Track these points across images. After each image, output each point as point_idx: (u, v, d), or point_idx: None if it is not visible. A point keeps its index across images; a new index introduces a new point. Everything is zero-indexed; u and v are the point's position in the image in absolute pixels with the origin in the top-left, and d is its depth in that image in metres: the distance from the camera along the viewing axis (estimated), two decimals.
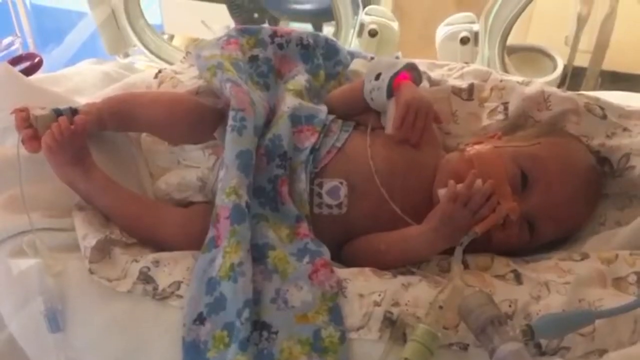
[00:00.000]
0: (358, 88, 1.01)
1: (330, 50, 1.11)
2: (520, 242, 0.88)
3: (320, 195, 0.92)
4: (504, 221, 0.85)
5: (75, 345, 0.80)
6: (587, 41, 2.02)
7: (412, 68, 0.99)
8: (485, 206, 0.83)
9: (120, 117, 0.96)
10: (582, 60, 2.04)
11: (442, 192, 0.86)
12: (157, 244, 0.88)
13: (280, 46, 1.08)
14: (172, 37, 2.44)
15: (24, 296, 0.81)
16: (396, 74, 0.96)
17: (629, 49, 2.10)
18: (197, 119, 0.97)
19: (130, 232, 0.89)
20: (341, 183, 0.92)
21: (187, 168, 0.98)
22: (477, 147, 0.94)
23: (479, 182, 0.83)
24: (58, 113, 0.91)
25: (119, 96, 1.02)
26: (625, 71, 2.16)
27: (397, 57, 1.17)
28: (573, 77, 2.01)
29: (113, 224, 0.90)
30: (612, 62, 2.04)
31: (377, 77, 0.97)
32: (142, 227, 0.90)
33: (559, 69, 1.86)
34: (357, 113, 1.03)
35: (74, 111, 0.93)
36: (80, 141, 0.90)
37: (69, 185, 0.90)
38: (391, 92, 0.96)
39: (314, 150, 0.94)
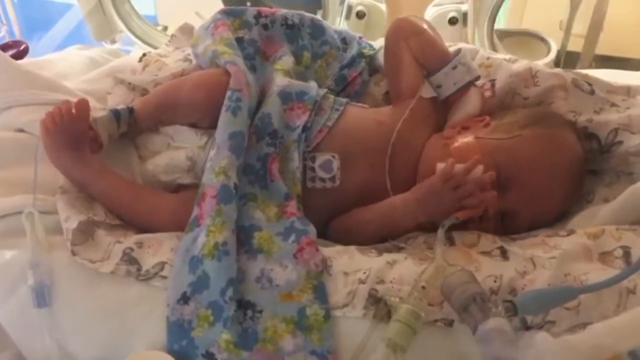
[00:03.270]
0: (443, 47, 1.02)
1: (317, 29, 1.10)
2: (496, 234, 0.87)
3: (313, 169, 0.93)
4: (482, 214, 0.85)
5: (62, 326, 0.80)
6: (582, 25, 2.02)
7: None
8: (473, 196, 0.83)
9: (171, 111, 0.96)
10: (577, 45, 2.03)
11: (440, 165, 0.86)
12: (150, 231, 0.87)
13: (265, 27, 1.07)
14: (165, 28, 2.44)
15: (12, 281, 0.81)
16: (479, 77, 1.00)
17: (623, 32, 2.09)
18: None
19: (124, 218, 0.89)
20: (333, 157, 0.93)
21: (176, 149, 0.97)
22: (459, 138, 0.93)
23: (478, 169, 0.83)
24: (116, 113, 0.93)
25: (165, 90, 1.00)
26: (619, 55, 2.15)
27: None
28: (567, 62, 2.00)
29: (97, 205, 0.89)
30: (606, 46, 2.04)
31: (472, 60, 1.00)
32: (136, 214, 0.89)
33: (553, 53, 1.85)
34: (416, 59, 1.02)
35: (130, 110, 0.95)
36: (81, 126, 0.89)
37: (62, 171, 0.89)
38: (470, 83, 0.98)
39: (305, 128, 0.94)
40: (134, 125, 0.96)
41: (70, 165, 0.89)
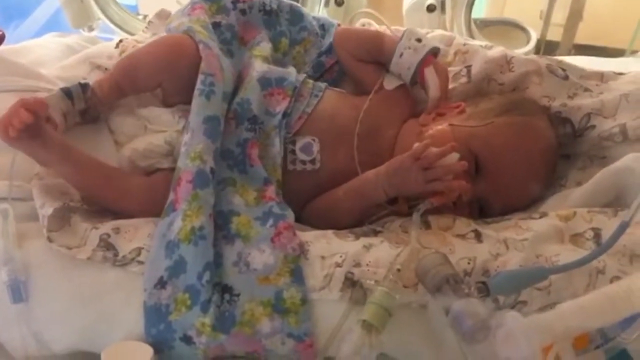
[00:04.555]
0: (389, 38, 1.02)
1: (295, 15, 1.11)
2: (471, 219, 0.88)
3: (293, 152, 0.93)
4: (456, 200, 0.86)
5: (39, 317, 0.79)
6: (562, 15, 2.04)
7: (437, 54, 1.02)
8: (442, 181, 0.83)
9: (131, 73, 0.95)
10: (557, 34, 2.05)
11: (416, 145, 0.86)
12: (121, 214, 0.87)
13: (243, 12, 1.07)
14: (145, 18, 2.41)
15: None
16: (435, 49, 0.99)
17: (602, 21, 2.12)
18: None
19: (94, 201, 0.88)
20: (313, 140, 0.94)
21: (154, 133, 0.96)
22: (433, 125, 0.94)
23: (453, 157, 0.84)
24: (65, 91, 0.90)
25: (124, 56, 1.01)
26: (597, 44, 2.18)
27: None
28: (546, 51, 2.02)
29: (73, 190, 0.88)
30: (585, 35, 2.06)
31: (418, 40, 0.99)
32: (106, 197, 0.88)
33: (533, 42, 1.87)
34: (363, 60, 1.04)
35: (84, 86, 0.92)
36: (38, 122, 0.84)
37: (28, 154, 0.87)
38: (423, 61, 0.97)
39: (286, 115, 0.94)
40: (94, 100, 0.94)
41: (34, 150, 0.85)
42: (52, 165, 0.87)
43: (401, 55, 0.98)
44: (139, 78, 0.95)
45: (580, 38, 2.06)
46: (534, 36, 1.89)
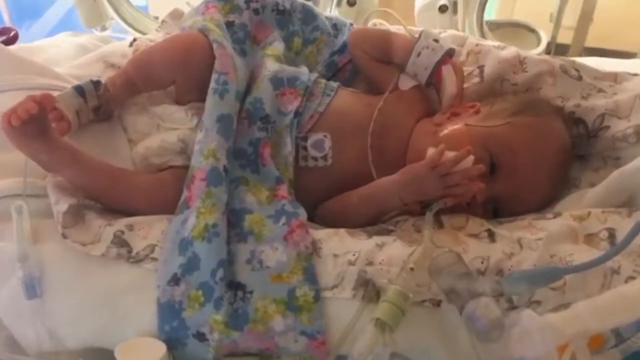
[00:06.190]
0: (403, 38, 1.03)
1: (308, 15, 1.11)
2: (484, 218, 0.88)
3: (305, 148, 0.94)
4: (470, 201, 0.86)
5: (53, 313, 0.80)
6: (573, 18, 2.03)
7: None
8: (460, 186, 0.83)
9: (146, 69, 0.95)
10: (567, 37, 2.05)
11: (431, 150, 0.87)
12: (132, 213, 0.86)
13: (256, 11, 1.07)
14: (156, 19, 2.43)
15: (2, 269, 0.80)
16: (451, 51, 1.00)
17: (612, 24, 2.11)
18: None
19: (103, 202, 0.87)
20: (325, 136, 0.94)
21: (167, 131, 0.96)
22: (448, 125, 0.94)
23: (469, 160, 0.84)
24: (77, 88, 0.91)
25: (138, 53, 1.01)
26: (608, 47, 2.17)
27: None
28: (557, 53, 2.01)
29: None
30: (596, 38, 2.05)
31: (436, 40, 0.99)
32: (115, 197, 0.87)
33: (543, 45, 1.87)
34: (378, 60, 1.04)
35: (96, 83, 0.92)
36: (43, 117, 0.83)
37: (30, 157, 0.85)
38: (442, 60, 0.98)
39: (297, 114, 0.94)
40: (107, 97, 0.94)
41: (37, 152, 0.83)
42: (56, 169, 0.86)
43: (419, 54, 0.99)
44: (153, 74, 0.96)
45: (591, 41, 2.05)
46: (545, 38, 1.89)
